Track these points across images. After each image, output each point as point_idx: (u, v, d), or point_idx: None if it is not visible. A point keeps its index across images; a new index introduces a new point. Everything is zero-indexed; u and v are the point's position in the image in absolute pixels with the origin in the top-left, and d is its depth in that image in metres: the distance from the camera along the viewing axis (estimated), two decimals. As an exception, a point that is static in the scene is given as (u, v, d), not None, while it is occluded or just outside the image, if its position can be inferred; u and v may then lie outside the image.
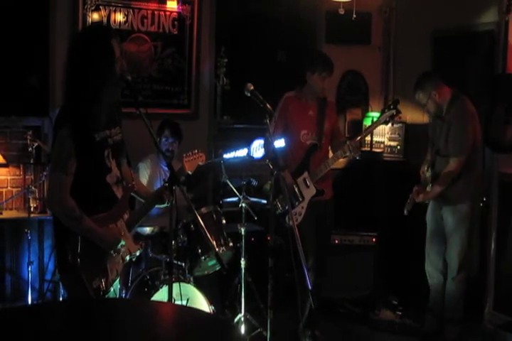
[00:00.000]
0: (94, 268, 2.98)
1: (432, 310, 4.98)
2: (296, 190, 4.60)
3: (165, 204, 3.34)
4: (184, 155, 3.64)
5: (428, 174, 4.81)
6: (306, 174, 4.61)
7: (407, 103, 4.67)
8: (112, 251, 3.05)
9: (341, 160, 4.72)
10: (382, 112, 4.58)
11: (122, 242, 3.09)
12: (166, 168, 4.76)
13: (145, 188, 3.64)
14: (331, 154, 4.80)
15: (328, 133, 4.75)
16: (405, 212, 4.84)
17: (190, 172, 3.58)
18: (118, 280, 3.25)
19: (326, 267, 4.84)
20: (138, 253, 3.29)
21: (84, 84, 2.95)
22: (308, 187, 4.60)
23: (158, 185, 4.73)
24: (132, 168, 3.62)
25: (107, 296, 3.06)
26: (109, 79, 2.99)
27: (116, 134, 3.14)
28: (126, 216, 3.20)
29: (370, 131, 4.80)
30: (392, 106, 4.51)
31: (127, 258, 3.20)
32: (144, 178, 4.81)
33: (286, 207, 4.49)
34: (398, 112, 4.52)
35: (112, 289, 3.11)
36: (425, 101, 4.74)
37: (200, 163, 3.63)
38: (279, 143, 4.79)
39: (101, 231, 3.02)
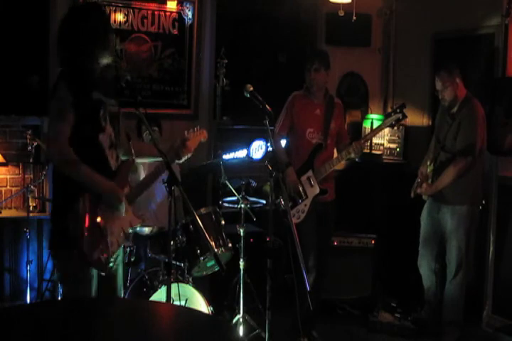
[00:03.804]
0: (94, 240, 2.99)
1: (429, 304, 5.01)
2: (300, 187, 4.62)
3: (182, 160, 3.38)
4: (186, 132, 3.62)
5: (430, 169, 4.81)
6: (310, 172, 4.63)
7: (407, 105, 4.66)
8: (113, 206, 3.07)
9: (342, 161, 4.73)
10: (388, 115, 4.59)
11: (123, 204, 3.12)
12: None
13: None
14: (335, 155, 4.81)
15: (333, 133, 4.76)
16: (412, 194, 4.88)
17: (189, 155, 3.50)
18: (121, 253, 3.27)
19: (327, 267, 4.84)
20: (139, 227, 3.31)
21: (81, 44, 3.05)
22: (312, 185, 4.62)
23: (157, 184, 4.72)
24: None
25: (110, 266, 3.09)
26: (106, 43, 3.11)
27: (112, 105, 3.17)
28: (126, 190, 3.20)
29: (375, 133, 4.80)
30: (398, 110, 4.52)
31: (129, 230, 3.20)
32: (141, 176, 4.82)
33: (290, 205, 4.52)
34: (404, 116, 4.53)
35: (112, 261, 3.11)
36: (447, 86, 4.66)
37: (203, 140, 3.59)
38: (283, 142, 4.82)
39: (101, 177, 3.03)
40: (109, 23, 3.29)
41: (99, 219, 3.02)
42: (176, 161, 3.43)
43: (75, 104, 2.95)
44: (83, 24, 3.07)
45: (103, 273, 3.05)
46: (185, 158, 3.42)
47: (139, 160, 3.49)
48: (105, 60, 3.13)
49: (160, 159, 3.23)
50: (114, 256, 3.12)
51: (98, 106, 3.07)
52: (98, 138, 3.07)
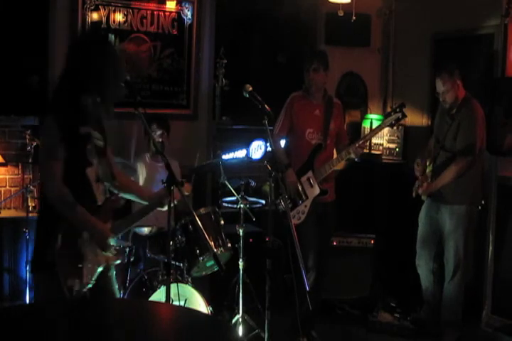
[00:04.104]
0: (70, 268, 2.99)
1: (427, 304, 5.01)
2: (300, 188, 4.62)
3: (166, 208, 3.35)
4: None
5: (429, 169, 4.81)
6: (310, 173, 4.63)
7: (406, 105, 4.66)
8: (101, 246, 3.08)
9: (341, 162, 4.73)
10: (388, 115, 4.59)
11: (113, 241, 3.12)
12: (160, 165, 4.78)
13: (145, 191, 3.64)
14: (335, 156, 4.81)
15: (333, 133, 4.76)
16: (414, 193, 4.88)
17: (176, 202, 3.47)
18: (115, 280, 3.27)
19: (327, 267, 4.85)
20: (118, 262, 3.30)
21: (86, 76, 3.01)
22: (312, 186, 4.62)
23: (157, 183, 4.73)
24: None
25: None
26: (113, 80, 3.04)
27: (98, 139, 3.16)
28: (108, 225, 3.19)
29: (375, 133, 4.79)
30: (398, 110, 4.52)
31: (101, 267, 3.17)
32: (141, 177, 4.83)
33: (290, 206, 4.53)
34: (404, 116, 4.52)
35: (86, 288, 3.09)
36: (448, 88, 4.65)
37: (187, 193, 3.55)
38: (283, 143, 4.81)
39: (95, 221, 3.06)
40: (112, 57, 3.11)
41: (78, 249, 3.03)
42: (159, 208, 3.40)
43: (63, 139, 2.96)
44: (82, 59, 3.05)
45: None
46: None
47: (125, 196, 3.49)
48: (110, 98, 3.10)
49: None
50: (88, 286, 3.09)
51: (86, 140, 3.07)
52: (85, 173, 3.08)
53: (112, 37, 5.38)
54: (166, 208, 3.35)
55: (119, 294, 3.37)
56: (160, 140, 4.88)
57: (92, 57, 3.03)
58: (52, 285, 2.95)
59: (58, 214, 2.98)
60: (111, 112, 3.17)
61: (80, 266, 3.03)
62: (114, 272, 3.33)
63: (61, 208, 2.98)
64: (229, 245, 4.46)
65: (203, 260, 4.31)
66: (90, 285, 3.09)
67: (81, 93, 3.04)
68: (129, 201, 3.71)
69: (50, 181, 2.99)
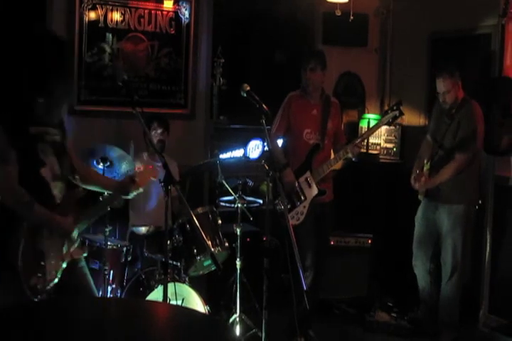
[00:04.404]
0: (32, 267, 2.98)
1: (424, 304, 5.01)
2: (298, 189, 4.61)
3: (131, 196, 3.38)
4: (136, 168, 3.61)
5: (426, 167, 4.81)
6: (308, 174, 4.63)
7: (403, 105, 4.66)
8: (66, 239, 3.10)
9: (339, 161, 4.73)
10: (385, 113, 4.58)
11: (76, 232, 3.14)
12: (159, 164, 4.78)
13: (109, 181, 3.65)
14: (332, 156, 4.81)
15: (331, 133, 4.76)
16: (412, 182, 4.86)
17: (141, 189, 3.46)
18: (88, 273, 3.28)
19: (325, 267, 4.85)
20: (85, 255, 3.30)
21: (36, 75, 3.03)
22: (310, 187, 4.62)
23: (155, 183, 4.72)
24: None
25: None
26: (62, 77, 3.09)
27: (54, 134, 3.14)
28: (70, 219, 3.17)
29: (372, 131, 4.80)
30: (395, 108, 4.51)
31: (66, 262, 3.16)
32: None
33: (289, 206, 4.53)
34: (401, 114, 4.51)
35: (51, 285, 3.08)
36: (449, 89, 4.65)
37: (153, 179, 3.53)
38: (280, 142, 4.81)
39: (55, 216, 3.06)
40: (61, 55, 3.15)
41: (40, 246, 3.02)
42: (124, 196, 3.41)
43: (11, 141, 2.94)
44: (34, 58, 3.09)
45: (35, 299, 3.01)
46: (134, 193, 3.39)
47: (88, 188, 3.48)
48: (58, 93, 3.10)
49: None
50: (52, 283, 3.08)
51: (36, 140, 3.05)
52: (39, 173, 3.05)
53: (109, 36, 5.39)
54: (130, 196, 3.41)
55: (95, 288, 3.35)
56: (161, 138, 4.89)
57: (40, 56, 3.07)
58: (14, 285, 2.94)
59: (16, 214, 2.97)
60: (62, 108, 3.21)
61: (43, 263, 3.02)
62: (85, 264, 3.31)
63: (19, 209, 2.97)
64: (226, 244, 4.46)
65: (200, 259, 4.31)
66: (56, 281, 3.08)
67: (31, 92, 3.02)
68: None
69: (5, 184, 2.97)
